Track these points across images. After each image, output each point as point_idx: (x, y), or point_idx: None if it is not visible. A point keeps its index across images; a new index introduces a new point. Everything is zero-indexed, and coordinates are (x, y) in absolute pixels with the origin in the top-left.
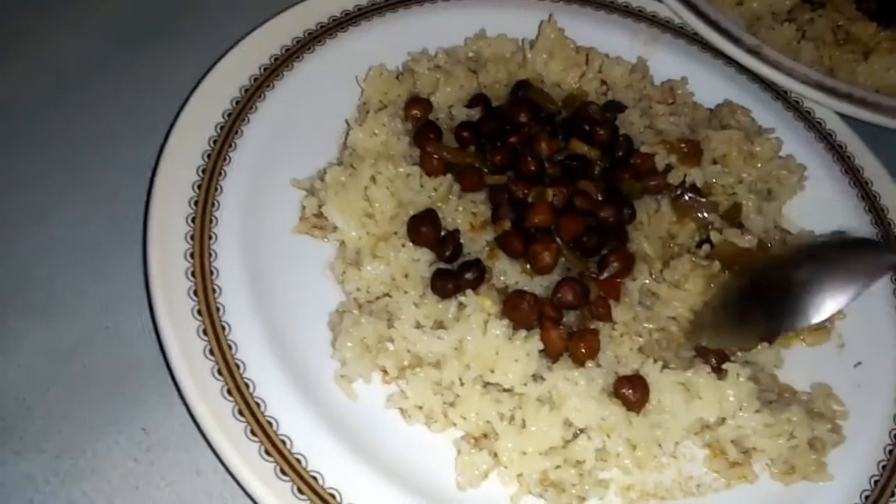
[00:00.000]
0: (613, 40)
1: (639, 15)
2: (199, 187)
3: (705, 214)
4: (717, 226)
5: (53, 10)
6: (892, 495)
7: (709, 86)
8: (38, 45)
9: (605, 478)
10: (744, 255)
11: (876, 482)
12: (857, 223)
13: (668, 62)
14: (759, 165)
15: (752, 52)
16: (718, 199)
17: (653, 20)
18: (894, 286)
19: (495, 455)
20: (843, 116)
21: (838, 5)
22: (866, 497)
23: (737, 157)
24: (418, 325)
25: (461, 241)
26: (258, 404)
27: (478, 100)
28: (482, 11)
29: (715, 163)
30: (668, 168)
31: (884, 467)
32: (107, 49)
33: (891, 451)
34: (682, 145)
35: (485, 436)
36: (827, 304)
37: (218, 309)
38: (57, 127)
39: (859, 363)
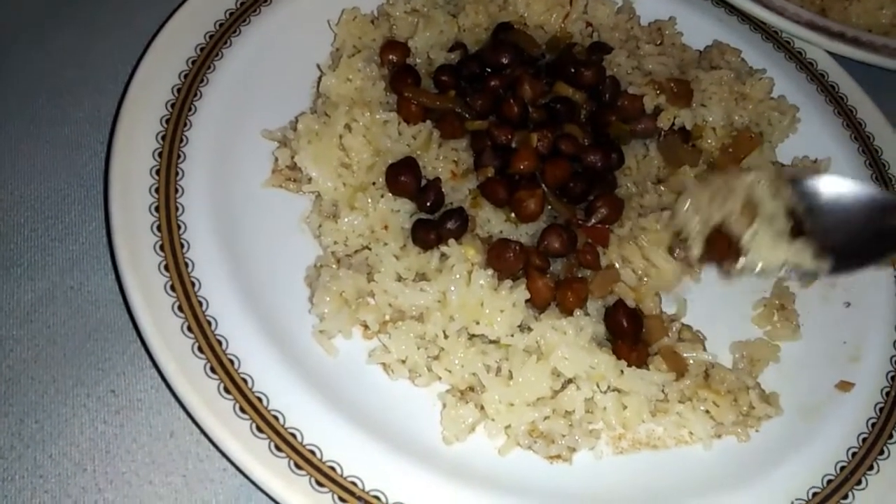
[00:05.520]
0: None
1: None
2: (163, 138)
3: None
4: None
5: None
6: (891, 436)
7: (697, 27)
8: None
9: (595, 428)
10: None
11: (872, 425)
12: (848, 164)
13: (654, 3)
14: (751, 106)
15: None
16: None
17: None
18: None
19: (482, 408)
20: (835, 56)
21: None
22: (864, 437)
23: (728, 97)
24: (399, 278)
25: (442, 189)
26: (231, 361)
27: (456, 47)
28: None
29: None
30: (657, 110)
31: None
32: None
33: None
34: (672, 85)
35: (471, 388)
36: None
37: (186, 264)
38: (12, 79)
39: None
